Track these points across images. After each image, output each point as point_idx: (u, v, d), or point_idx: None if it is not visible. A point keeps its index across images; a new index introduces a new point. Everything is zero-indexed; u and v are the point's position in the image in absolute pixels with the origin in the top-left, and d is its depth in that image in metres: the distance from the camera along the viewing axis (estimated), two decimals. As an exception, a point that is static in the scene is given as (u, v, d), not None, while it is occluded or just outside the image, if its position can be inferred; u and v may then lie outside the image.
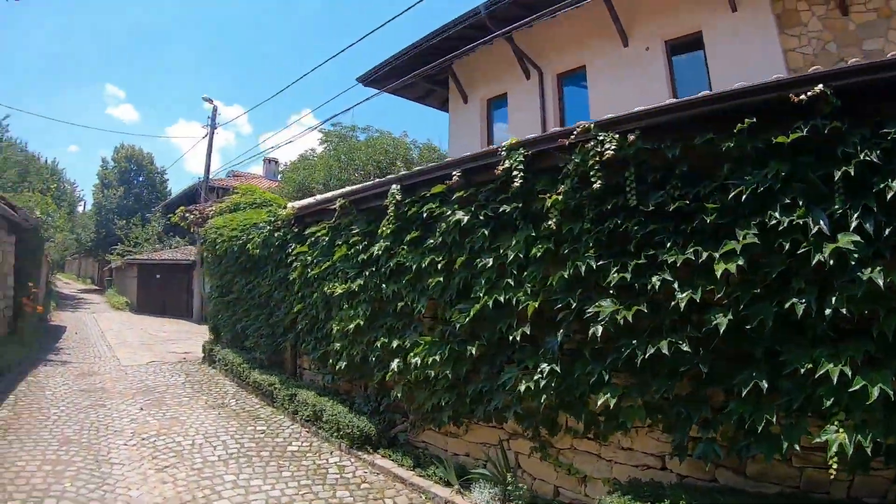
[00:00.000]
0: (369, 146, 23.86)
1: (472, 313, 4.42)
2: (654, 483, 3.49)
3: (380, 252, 5.56)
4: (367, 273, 5.82)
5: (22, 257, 10.70)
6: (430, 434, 5.44)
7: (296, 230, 7.85)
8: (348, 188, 7.77)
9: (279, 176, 28.10)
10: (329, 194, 7.78)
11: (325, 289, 6.55)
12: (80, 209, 39.95)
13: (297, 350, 8.11)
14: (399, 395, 5.33)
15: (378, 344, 5.52)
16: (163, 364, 11.21)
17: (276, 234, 8.04)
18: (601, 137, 3.69)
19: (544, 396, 3.82)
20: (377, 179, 6.79)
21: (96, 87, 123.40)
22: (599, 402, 3.49)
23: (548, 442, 4.31)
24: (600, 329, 3.43)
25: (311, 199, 8.35)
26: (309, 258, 7.18)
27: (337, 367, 6.36)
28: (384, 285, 5.50)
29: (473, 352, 4.45)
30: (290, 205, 8.66)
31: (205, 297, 21.10)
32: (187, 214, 12.46)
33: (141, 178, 38.07)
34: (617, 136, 3.64)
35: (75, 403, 7.35)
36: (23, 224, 9.63)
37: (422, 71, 10.61)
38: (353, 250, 6.20)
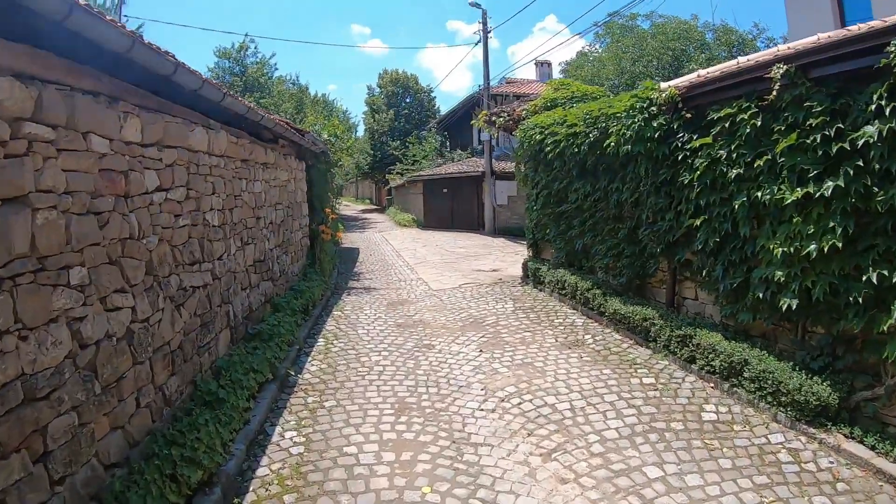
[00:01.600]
0: (661, 33, 24.17)
1: None
2: None
3: (872, 137, 4.28)
4: (844, 172, 4.34)
5: (313, 184, 11.62)
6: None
7: (688, 116, 6.27)
8: (785, 48, 5.75)
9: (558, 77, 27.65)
10: (749, 59, 5.98)
11: (757, 194, 4.98)
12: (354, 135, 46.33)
13: (678, 276, 6.77)
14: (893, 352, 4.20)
15: (866, 277, 4.38)
16: (478, 286, 11.43)
17: (652, 125, 6.60)
18: None
19: None
20: (848, 31, 4.76)
21: (343, 29, 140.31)
22: None
23: None
24: None
25: (710, 71, 6.60)
26: (720, 153, 5.56)
27: (776, 302, 4.89)
28: (879, 189, 4.33)
29: None
30: (666, 85, 7.11)
31: (496, 208, 22.53)
32: (493, 117, 12.08)
33: (408, 100, 43.06)
34: None
35: (397, 345, 7.40)
36: (312, 149, 10.28)
37: None
38: (811, 138, 4.35)
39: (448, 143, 36.85)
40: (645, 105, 7.10)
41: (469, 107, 28.73)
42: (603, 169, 8.29)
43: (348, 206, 53.50)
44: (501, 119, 11.90)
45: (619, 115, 7.61)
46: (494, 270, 13.63)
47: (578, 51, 24.64)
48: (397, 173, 32.98)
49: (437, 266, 14.26)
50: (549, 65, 30.56)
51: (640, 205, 7.49)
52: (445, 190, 24.95)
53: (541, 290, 10.58)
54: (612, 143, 7.59)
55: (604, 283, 8.53)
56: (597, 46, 27.22)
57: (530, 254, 12.07)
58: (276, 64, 31.54)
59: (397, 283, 12.12)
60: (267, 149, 7.84)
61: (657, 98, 6.93)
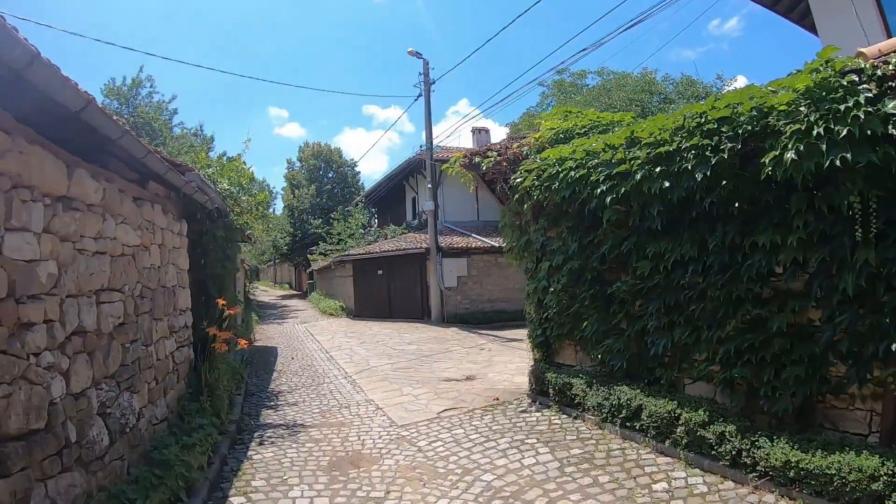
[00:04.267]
0: (621, 86, 23.49)
1: None
2: None
3: None
4: None
5: (206, 256, 7.58)
6: None
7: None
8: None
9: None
10: None
11: None
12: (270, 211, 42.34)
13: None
14: None
15: None
16: (467, 415, 7.34)
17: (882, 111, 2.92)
18: None
19: None
20: None
21: (261, 111, 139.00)
22: None
23: None
24: None
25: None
26: None
27: None
28: None
29: None
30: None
31: (444, 291, 18.81)
32: (475, 158, 8.41)
33: (331, 174, 40.72)
34: None
35: None
36: (197, 199, 6.29)
37: None
38: None
39: (377, 220, 33.29)
40: (846, 84, 3.53)
41: (404, 174, 25.33)
42: (728, 213, 4.65)
43: (266, 292, 48.38)
44: (489, 160, 8.19)
45: (783, 108, 4.00)
46: (470, 378, 9.63)
47: (526, 111, 21.91)
48: (320, 254, 28.84)
49: (387, 376, 9.96)
50: (488, 131, 27.90)
51: (824, 271, 3.88)
52: (380, 271, 20.82)
53: (575, 418, 6.73)
54: (778, 159, 3.91)
55: (723, 410, 4.90)
56: (544, 106, 24.77)
57: (537, 356, 8.19)
58: (176, 109, 26.17)
59: (337, 411, 7.73)
60: (99, 178, 3.73)
61: (876, 71, 3.38)
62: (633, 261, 6.04)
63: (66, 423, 3.37)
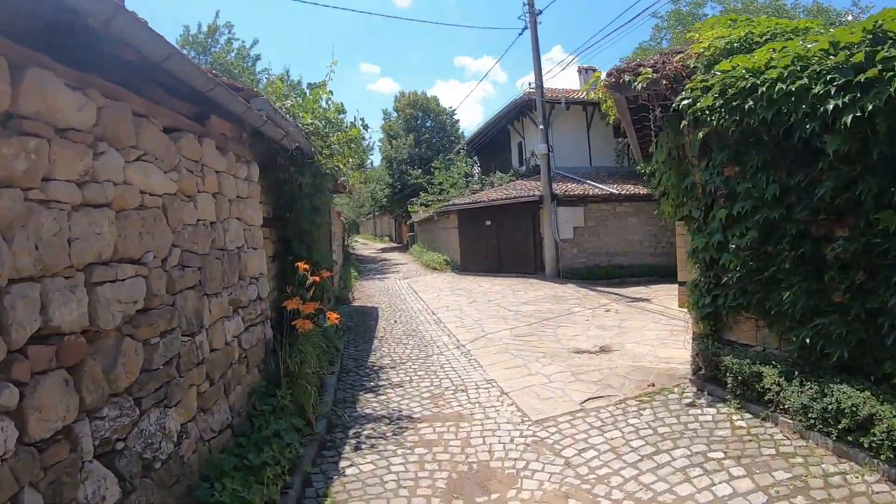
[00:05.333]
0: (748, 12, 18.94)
1: None
2: None
3: None
4: None
5: (290, 210, 6.18)
6: None
7: None
8: None
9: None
10: None
11: None
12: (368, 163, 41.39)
13: None
14: None
15: None
16: (620, 407, 5.64)
17: None
18: None
19: None
20: None
21: (352, 68, 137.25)
22: None
23: None
24: None
25: None
26: None
27: None
28: None
29: None
30: None
31: (559, 243, 16.71)
32: (622, 76, 6.35)
33: (429, 124, 38.80)
34: None
35: None
36: (272, 136, 4.71)
37: None
38: None
39: (479, 169, 31.48)
40: None
41: (509, 118, 23.19)
42: None
43: (366, 245, 48.22)
44: (644, 76, 6.11)
45: None
46: (605, 350, 7.93)
47: (639, 46, 18.85)
48: (421, 204, 27.49)
49: (507, 346, 8.33)
50: (595, 70, 24.99)
51: None
52: (489, 222, 19.07)
53: (764, 419, 5.01)
54: None
55: None
56: (658, 41, 21.46)
57: (702, 330, 6.27)
58: (258, 55, 23.76)
59: (452, 396, 6.19)
60: (89, 89, 2.35)
61: None
62: (867, 211, 4.07)
63: (21, 494, 1.96)
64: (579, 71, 24.73)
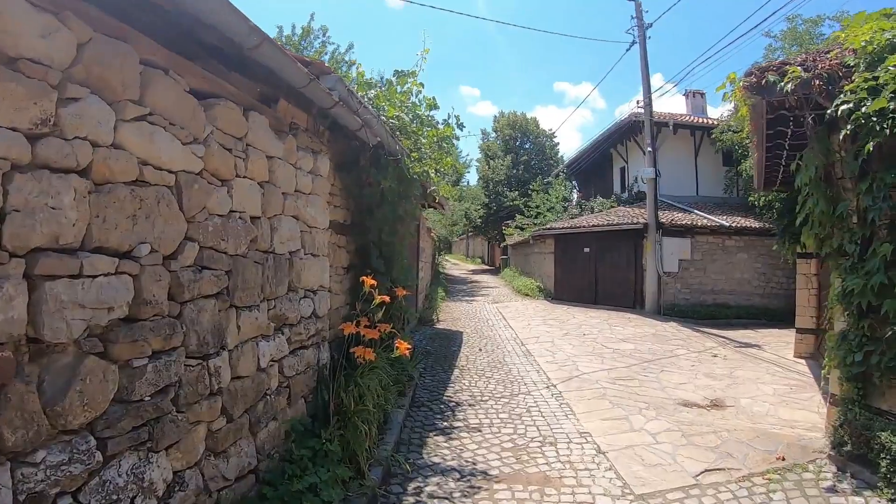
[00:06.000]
0: None
1: None
2: None
3: None
4: None
5: (365, 217, 5.42)
6: None
7: None
8: None
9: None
10: None
11: None
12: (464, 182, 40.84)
13: None
14: None
15: None
16: (745, 487, 4.43)
17: None
18: None
19: None
20: None
21: (453, 90, 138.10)
22: None
23: None
24: None
25: None
26: None
27: None
28: None
29: None
30: None
31: (663, 276, 15.17)
32: (769, 76, 5.14)
33: (527, 146, 37.89)
34: None
35: None
36: (348, 125, 3.97)
37: None
38: None
39: (578, 193, 30.14)
40: None
41: (612, 141, 21.85)
42: None
43: (457, 265, 47.66)
44: (794, 76, 4.88)
45: None
46: (718, 406, 6.66)
47: (752, 66, 16.93)
48: (516, 227, 26.49)
49: (605, 391, 7.13)
50: (703, 94, 23.29)
51: None
52: (587, 249, 17.74)
53: None
54: None
55: None
56: (771, 61, 19.29)
57: (847, 394, 4.95)
58: (354, 61, 22.28)
59: (538, 450, 5.09)
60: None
61: None
62: None
63: None
64: (686, 95, 23.15)
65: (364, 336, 4.24)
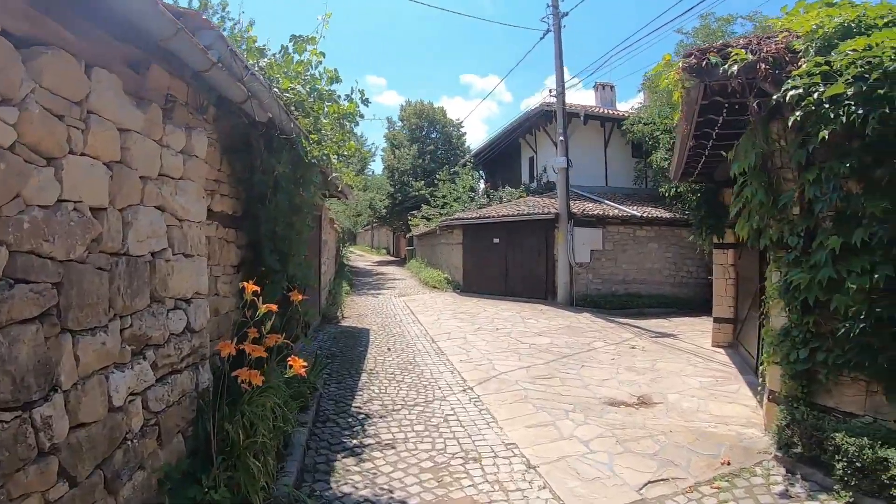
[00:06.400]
0: None
1: None
2: None
3: None
4: None
5: (255, 207, 4.78)
6: None
7: None
8: None
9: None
10: None
11: None
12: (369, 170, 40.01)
13: None
14: None
15: None
16: (697, 498, 3.92)
17: None
18: None
19: None
20: None
21: (360, 80, 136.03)
22: None
23: None
24: None
25: None
26: None
27: None
28: None
29: None
30: None
31: (574, 267, 15.06)
32: (710, 58, 4.86)
33: (434, 135, 37.51)
34: None
35: None
36: (229, 95, 3.43)
37: None
38: None
39: (485, 184, 30.12)
40: None
41: (522, 130, 21.76)
42: None
43: (362, 257, 46.68)
44: (738, 59, 4.61)
45: None
46: (646, 403, 6.48)
47: (662, 60, 17.35)
48: (422, 217, 26.01)
49: (526, 392, 6.73)
50: (613, 87, 23.83)
51: None
52: (497, 240, 17.47)
53: None
54: None
55: None
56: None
57: (790, 391, 4.83)
58: (255, 39, 20.87)
59: (461, 469, 4.52)
60: None
61: None
62: None
63: None
64: (596, 87, 23.53)
65: (250, 354, 3.47)
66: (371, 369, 7.86)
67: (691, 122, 6.23)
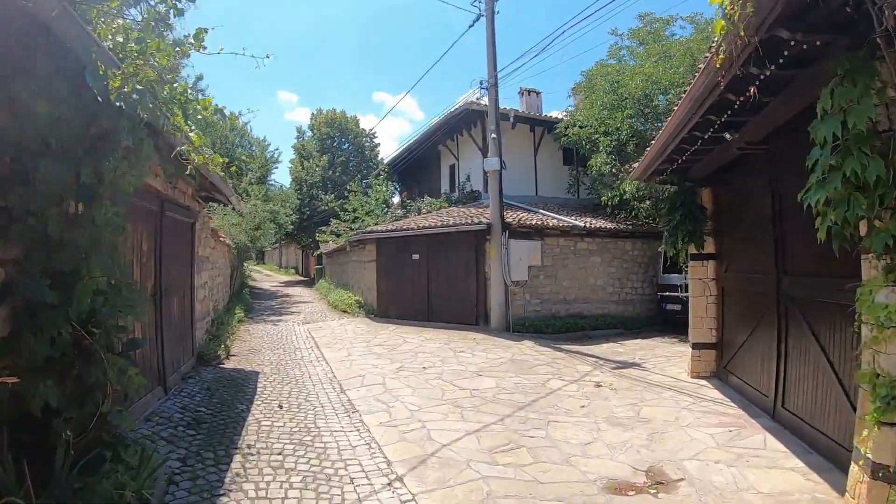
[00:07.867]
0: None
1: None
2: None
3: None
4: None
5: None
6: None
7: None
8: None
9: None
10: None
11: None
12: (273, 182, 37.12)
13: None
14: None
15: None
16: None
17: None
18: None
19: None
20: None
21: (270, 96, 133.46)
22: None
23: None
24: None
25: None
26: None
27: None
28: None
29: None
30: None
31: (510, 286, 12.73)
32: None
33: (346, 146, 35.33)
34: None
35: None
36: None
37: None
38: None
39: (400, 195, 27.88)
40: None
41: (443, 133, 19.67)
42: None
43: (269, 277, 43.24)
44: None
45: None
46: (661, 483, 4.21)
47: (595, 64, 16.01)
48: (331, 233, 23.41)
49: (482, 480, 4.39)
50: (539, 94, 22.37)
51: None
52: (416, 256, 15.09)
53: None
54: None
55: None
56: (619, 59, 18.45)
57: None
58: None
59: None
60: None
61: None
62: None
63: None
64: (521, 93, 21.92)
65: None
66: (250, 446, 5.24)
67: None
